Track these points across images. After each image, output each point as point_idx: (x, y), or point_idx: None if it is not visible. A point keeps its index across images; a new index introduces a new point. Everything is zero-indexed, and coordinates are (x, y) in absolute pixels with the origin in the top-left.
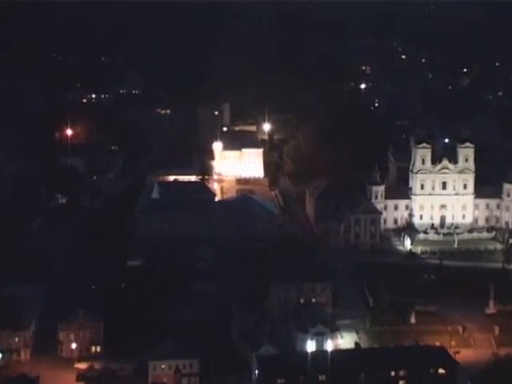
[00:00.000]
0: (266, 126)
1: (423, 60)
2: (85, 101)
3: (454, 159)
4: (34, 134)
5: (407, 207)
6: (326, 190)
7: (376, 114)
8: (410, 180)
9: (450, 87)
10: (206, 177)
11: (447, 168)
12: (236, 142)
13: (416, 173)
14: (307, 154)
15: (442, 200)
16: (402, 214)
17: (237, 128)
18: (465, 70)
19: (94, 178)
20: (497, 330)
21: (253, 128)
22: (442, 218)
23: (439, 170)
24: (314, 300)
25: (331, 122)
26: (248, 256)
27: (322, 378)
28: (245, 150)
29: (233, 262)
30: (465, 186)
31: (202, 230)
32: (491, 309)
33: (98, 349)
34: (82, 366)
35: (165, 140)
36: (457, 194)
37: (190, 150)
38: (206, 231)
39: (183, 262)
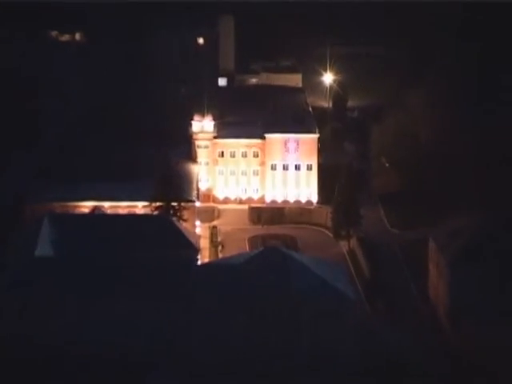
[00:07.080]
0: (328, 77)
1: None
2: None
3: None
4: None
5: None
6: (477, 237)
7: None
8: None
9: None
10: (176, 204)
11: None
12: (249, 116)
13: None
14: (431, 146)
15: None
16: None
17: (254, 80)
18: None
19: None
20: None
21: (295, 80)
22: None
23: None
24: None
25: (486, 68)
26: None
27: None
28: (273, 137)
29: None
30: None
31: (163, 335)
32: None
33: None
34: None
35: (73, 108)
36: None
37: (137, 134)
38: (170, 338)
39: None
